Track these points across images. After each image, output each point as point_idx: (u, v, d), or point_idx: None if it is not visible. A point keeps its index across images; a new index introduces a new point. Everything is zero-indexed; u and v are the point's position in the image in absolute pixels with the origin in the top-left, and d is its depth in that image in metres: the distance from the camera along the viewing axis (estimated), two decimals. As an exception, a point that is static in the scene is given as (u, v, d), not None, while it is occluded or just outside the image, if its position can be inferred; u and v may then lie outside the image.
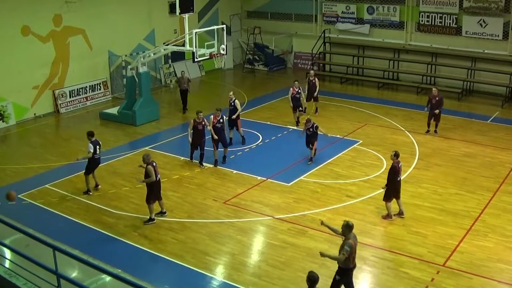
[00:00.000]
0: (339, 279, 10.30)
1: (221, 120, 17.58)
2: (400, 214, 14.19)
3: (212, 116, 17.54)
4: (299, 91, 20.81)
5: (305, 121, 17.85)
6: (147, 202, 14.07)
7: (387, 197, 13.97)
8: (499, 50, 24.79)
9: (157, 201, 14.27)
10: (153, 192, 13.98)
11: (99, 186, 16.22)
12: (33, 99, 23.34)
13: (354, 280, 11.70)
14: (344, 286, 10.41)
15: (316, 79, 22.24)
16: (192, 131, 17.46)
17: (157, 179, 13.88)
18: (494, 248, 12.78)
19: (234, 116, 19.06)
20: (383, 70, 27.98)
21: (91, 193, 15.83)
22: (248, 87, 27.90)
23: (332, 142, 19.31)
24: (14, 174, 17.53)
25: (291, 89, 20.80)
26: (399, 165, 13.79)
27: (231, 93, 19.58)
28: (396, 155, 13.76)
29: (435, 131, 20.05)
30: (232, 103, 19.20)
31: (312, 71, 22.98)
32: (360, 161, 17.82)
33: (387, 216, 14.11)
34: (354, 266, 10.30)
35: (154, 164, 13.92)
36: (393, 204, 14.06)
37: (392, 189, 13.87)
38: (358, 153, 18.59)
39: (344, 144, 19.21)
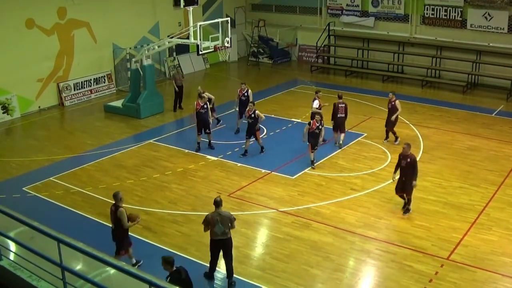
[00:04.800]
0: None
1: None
2: (338, 144, 18.36)
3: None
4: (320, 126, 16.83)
5: (248, 106, 18.09)
6: (124, 249, 11.69)
7: (333, 129, 18.34)
8: (504, 43, 24.64)
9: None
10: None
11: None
12: (38, 92, 23.36)
13: (357, 273, 11.77)
14: None
15: (246, 90, 19.87)
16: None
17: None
18: (498, 241, 12.77)
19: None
20: (388, 63, 27.92)
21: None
22: (252, 80, 27.81)
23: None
24: (19, 166, 17.58)
25: (312, 122, 16.85)
26: (338, 105, 18.04)
27: (200, 88, 18.74)
28: (338, 96, 18.36)
29: (405, 210, 13.99)
30: (205, 106, 18.01)
31: (243, 85, 20.16)
32: (364, 154, 17.81)
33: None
34: (214, 240, 11.12)
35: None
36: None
37: (334, 123, 18.22)
38: (362, 146, 18.56)
39: (348, 137, 19.12)
